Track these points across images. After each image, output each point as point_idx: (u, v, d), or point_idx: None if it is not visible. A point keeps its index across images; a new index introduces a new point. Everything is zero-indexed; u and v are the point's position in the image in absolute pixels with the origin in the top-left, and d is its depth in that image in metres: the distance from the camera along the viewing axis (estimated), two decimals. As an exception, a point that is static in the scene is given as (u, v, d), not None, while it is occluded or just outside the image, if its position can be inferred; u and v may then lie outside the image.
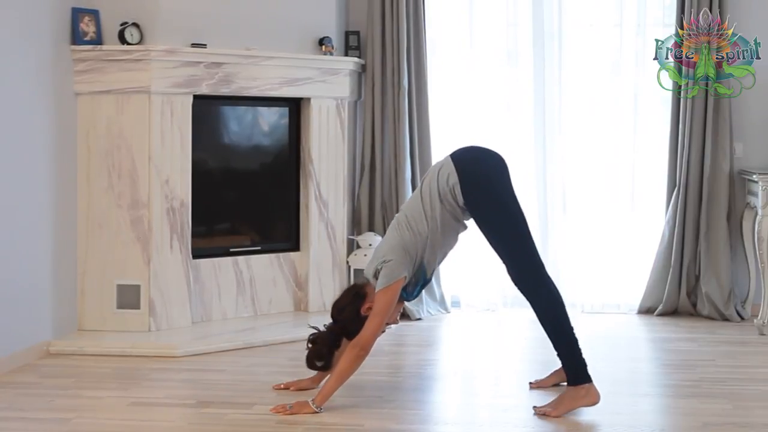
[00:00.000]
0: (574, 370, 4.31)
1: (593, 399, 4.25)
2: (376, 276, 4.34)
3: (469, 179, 4.32)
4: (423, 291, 5.44)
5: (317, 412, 4.17)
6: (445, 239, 4.42)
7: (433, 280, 6.38)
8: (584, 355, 4.32)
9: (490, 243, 4.39)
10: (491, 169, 4.42)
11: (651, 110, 6.50)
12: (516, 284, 4.38)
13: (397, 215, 4.51)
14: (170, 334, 5.53)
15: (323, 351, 4.44)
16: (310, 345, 4.48)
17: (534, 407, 4.28)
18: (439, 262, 4.55)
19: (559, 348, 4.34)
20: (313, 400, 4.21)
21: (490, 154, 4.52)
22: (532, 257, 4.34)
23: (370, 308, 4.34)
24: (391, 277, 4.27)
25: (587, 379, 4.28)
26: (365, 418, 4.16)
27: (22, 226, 5.06)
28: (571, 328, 4.33)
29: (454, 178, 4.31)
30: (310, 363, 4.48)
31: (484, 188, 4.35)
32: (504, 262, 4.37)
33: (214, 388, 4.63)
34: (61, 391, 4.55)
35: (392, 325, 4.59)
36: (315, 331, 4.50)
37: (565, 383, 4.45)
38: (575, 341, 4.32)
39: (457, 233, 4.49)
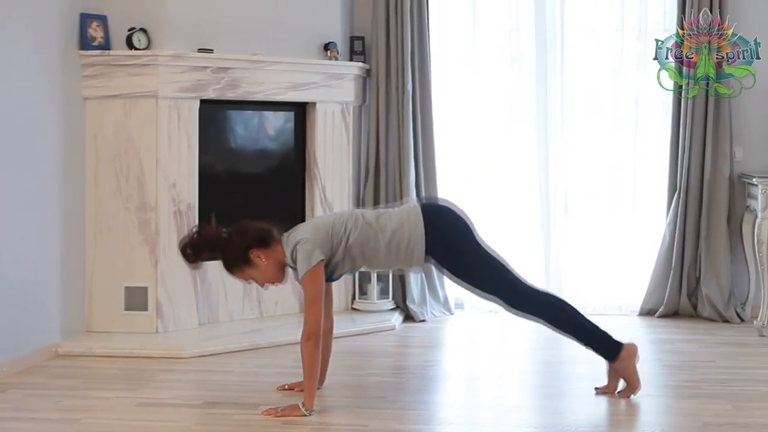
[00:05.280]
0: (605, 350, 4.40)
1: (632, 353, 4.38)
2: (294, 255, 4.24)
3: (433, 250, 4.30)
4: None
5: (307, 416, 4.15)
6: (380, 257, 4.34)
7: (437, 281, 6.47)
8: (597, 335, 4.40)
9: (472, 290, 4.41)
10: (449, 227, 4.37)
11: (652, 114, 6.53)
12: (514, 314, 4.43)
13: (355, 210, 4.44)
14: (177, 335, 5.58)
15: (201, 250, 4.33)
16: (195, 234, 4.35)
17: (596, 388, 4.44)
18: (352, 272, 4.53)
19: (583, 340, 4.42)
20: (303, 403, 4.19)
21: (448, 212, 4.45)
22: (514, 283, 4.36)
23: (258, 257, 4.28)
24: (310, 259, 4.19)
25: (619, 347, 4.37)
26: (369, 418, 4.20)
27: (31, 228, 5.11)
28: (583, 316, 4.41)
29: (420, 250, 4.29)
30: (185, 251, 4.35)
31: (445, 246, 4.32)
32: (494, 301, 4.43)
33: (220, 389, 4.67)
34: (70, 392, 4.59)
35: (277, 284, 4.44)
36: (210, 226, 4.36)
37: (623, 380, 4.49)
38: (593, 326, 4.40)
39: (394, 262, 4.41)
